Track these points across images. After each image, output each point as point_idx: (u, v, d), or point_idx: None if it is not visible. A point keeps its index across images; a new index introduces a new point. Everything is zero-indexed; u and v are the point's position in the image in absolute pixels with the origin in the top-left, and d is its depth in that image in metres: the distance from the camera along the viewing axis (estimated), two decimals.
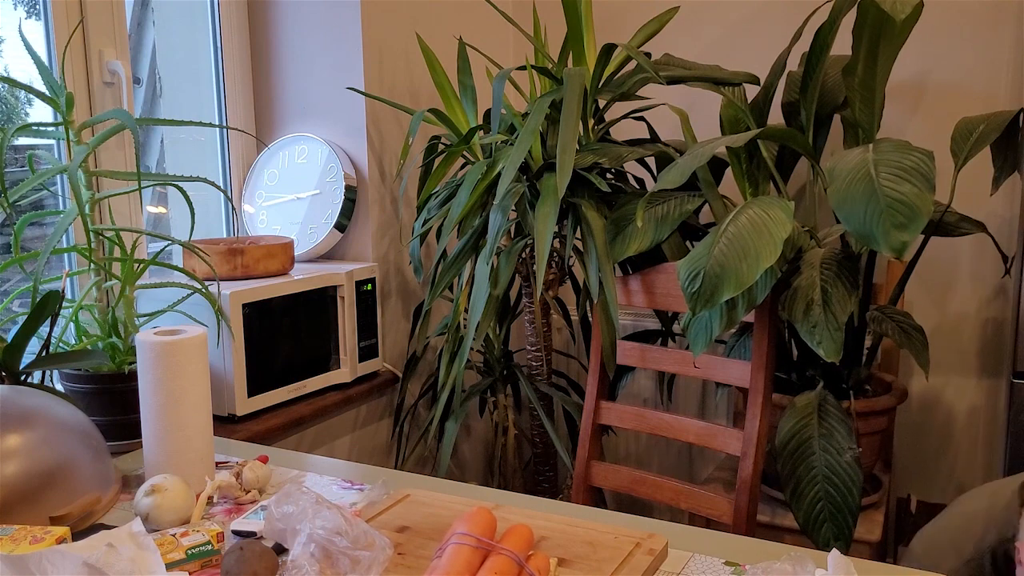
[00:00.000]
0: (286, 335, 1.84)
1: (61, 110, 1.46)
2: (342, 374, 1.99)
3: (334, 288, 1.95)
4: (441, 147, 2.15)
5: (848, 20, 1.86)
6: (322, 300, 1.92)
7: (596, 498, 1.86)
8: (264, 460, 1.29)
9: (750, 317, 1.66)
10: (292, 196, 2.12)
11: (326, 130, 2.13)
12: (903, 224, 1.51)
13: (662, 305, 1.76)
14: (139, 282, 1.52)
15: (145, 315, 1.54)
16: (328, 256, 2.13)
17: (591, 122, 2.06)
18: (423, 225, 2.08)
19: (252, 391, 1.76)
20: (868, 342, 2.06)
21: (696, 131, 2.15)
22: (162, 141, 2.16)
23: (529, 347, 2.14)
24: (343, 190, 2.06)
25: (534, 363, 2.14)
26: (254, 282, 1.78)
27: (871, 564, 1.01)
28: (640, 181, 2.21)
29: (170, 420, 1.21)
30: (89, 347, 1.50)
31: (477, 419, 2.48)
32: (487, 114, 2.10)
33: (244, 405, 1.75)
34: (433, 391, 2.27)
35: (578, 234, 1.89)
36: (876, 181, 1.56)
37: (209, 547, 1.01)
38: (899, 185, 1.55)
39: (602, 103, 2.13)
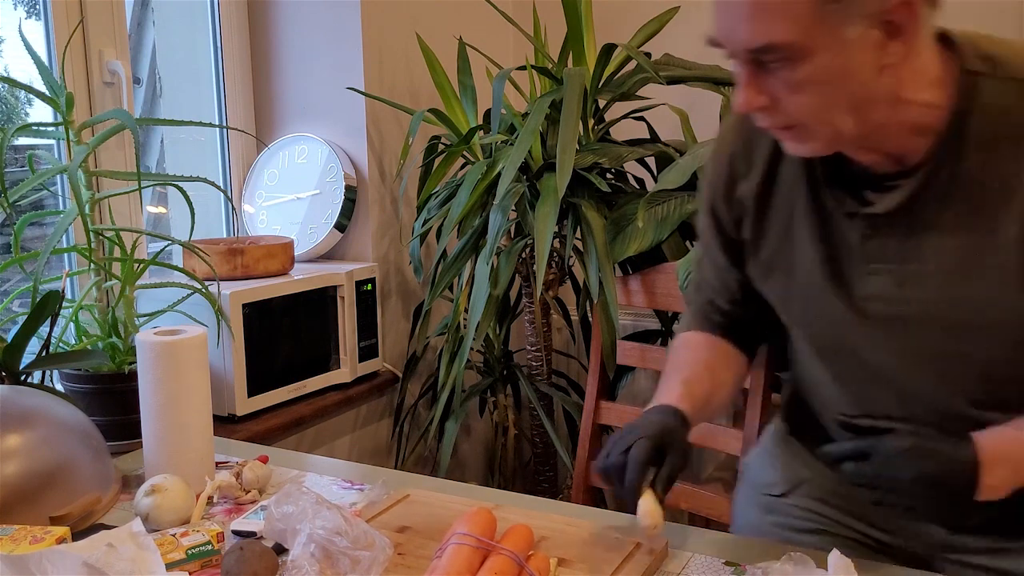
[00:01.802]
0: (286, 335, 1.84)
1: (61, 110, 1.46)
2: (342, 374, 1.99)
3: (334, 288, 1.95)
4: (441, 147, 2.15)
5: None
6: (322, 300, 1.92)
7: (596, 498, 1.86)
8: (264, 460, 1.29)
9: None
10: (292, 196, 2.12)
11: (326, 130, 2.13)
12: None
13: (662, 305, 1.76)
14: (139, 282, 1.52)
15: (145, 315, 1.54)
16: (328, 256, 2.13)
17: (591, 122, 2.06)
18: (423, 225, 2.08)
19: (252, 391, 1.76)
20: None
21: (696, 131, 2.15)
22: (162, 141, 2.16)
23: (529, 347, 2.14)
24: (343, 190, 2.06)
25: (534, 363, 2.14)
26: (254, 282, 1.78)
27: (871, 564, 1.01)
28: (640, 181, 2.21)
29: (170, 420, 1.21)
30: (89, 347, 1.50)
31: (477, 419, 2.48)
32: (487, 114, 2.10)
33: (244, 405, 1.74)
34: (433, 391, 2.26)
35: (578, 234, 1.89)
36: None
37: (209, 547, 1.01)
38: None
39: (602, 103, 2.13)
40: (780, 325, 1.11)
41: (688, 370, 1.11)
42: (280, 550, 0.98)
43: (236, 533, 1.08)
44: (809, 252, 1.00)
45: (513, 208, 1.95)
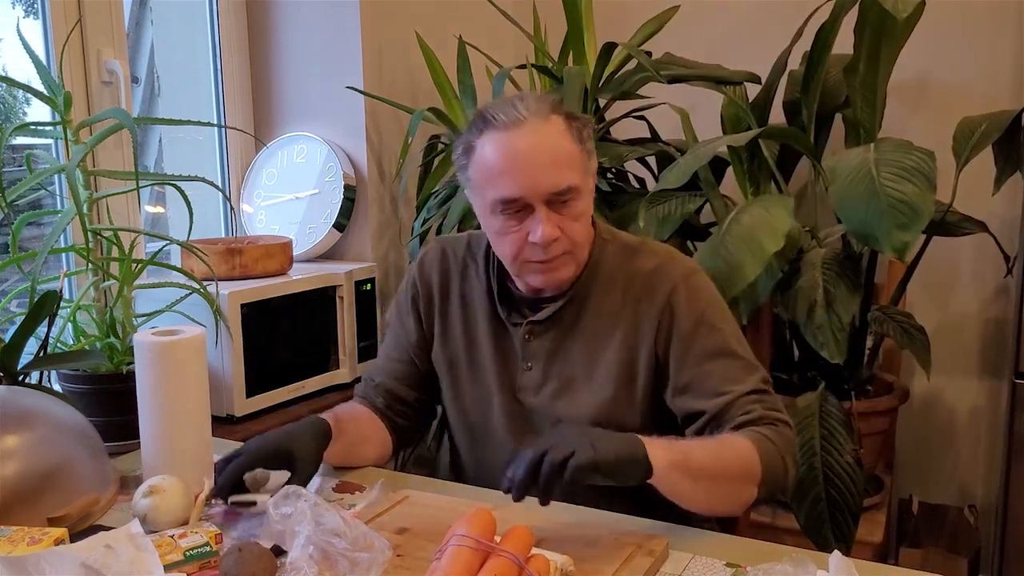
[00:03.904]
0: (285, 335, 1.83)
1: (59, 109, 1.46)
2: (341, 374, 1.98)
3: (333, 288, 1.94)
4: (440, 146, 2.14)
5: (850, 19, 1.85)
6: (321, 300, 1.91)
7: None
8: None
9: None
10: (291, 196, 2.12)
11: (325, 129, 2.12)
12: (905, 224, 1.51)
13: None
14: (137, 282, 1.51)
15: (143, 315, 1.54)
16: (327, 256, 2.12)
17: (592, 120, 2.05)
18: (423, 225, 2.07)
19: (251, 391, 1.75)
20: (870, 342, 2.05)
21: (697, 130, 2.15)
22: (160, 140, 2.15)
23: None
24: (342, 190, 2.06)
25: None
26: (253, 282, 1.77)
27: (873, 565, 1.00)
28: (641, 181, 2.21)
29: (168, 421, 1.20)
30: (87, 347, 1.49)
31: None
32: None
33: (243, 406, 1.74)
34: None
35: None
36: (877, 181, 1.56)
37: (207, 548, 1.00)
38: (900, 185, 1.54)
39: (603, 102, 2.12)
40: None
41: (345, 415, 1.33)
42: (279, 552, 0.98)
43: (235, 504, 1.10)
44: (487, 350, 1.32)
45: None
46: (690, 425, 1.21)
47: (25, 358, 1.35)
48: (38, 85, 1.45)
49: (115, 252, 1.51)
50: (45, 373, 1.43)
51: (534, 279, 1.24)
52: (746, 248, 1.58)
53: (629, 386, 1.24)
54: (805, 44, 1.98)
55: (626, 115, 2.17)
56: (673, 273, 1.25)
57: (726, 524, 1.47)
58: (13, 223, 1.41)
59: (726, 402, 1.17)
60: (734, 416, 1.16)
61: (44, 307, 1.35)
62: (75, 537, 1.03)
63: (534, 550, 0.93)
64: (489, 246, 1.31)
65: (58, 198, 1.76)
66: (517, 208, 1.18)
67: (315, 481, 1.28)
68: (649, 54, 2.11)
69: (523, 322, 1.29)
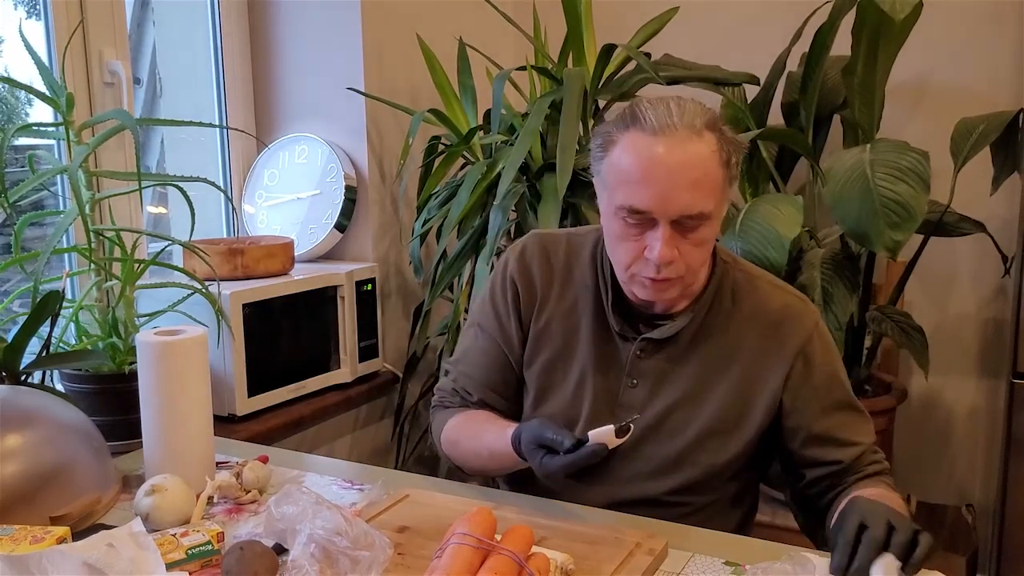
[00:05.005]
0: (286, 335, 1.84)
1: (61, 110, 1.46)
2: (342, 374, 1.99)
3: (334, 288, 1.95)
4: (441, 147, 2.14)
5: (848, 20, 1.86)
6: (322, 300, 1.92)
7: None
8: (264, 460, 1.29)
9: None
10: (292, 196, 2.12)
11: (326, 130, 2.13)
12: (897, 224, 1.52)
13: None
14: (139, 282, 1.52)
15: (145, 315, 1.54)
16: (328, 256, 2.13)
17: (591, 122, 2.06)
18: (423, 225, 2.08)
19: (252, 391, 1.76)
20: (868, 342, 2.06)
21: None
22: (162, 141, 2.16)
23: None
24: (343, 190, 2.06)
25: None
26: (254, 282, 1.78)
27: None
28: None
29: (170, 420, 1.21)
30: (89, 347, 1.50)
31: None
32: (487, 114, 2.10)
33: (244, 405, 1.74)
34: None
35: None
36: (871, 181, 1.57)
37: (209, 547, 1.01)
38: (894, 185, 1.55)
39: (602, 103, 2.13)
40: None
41: (482, 415, 1.32)
42: (280, 550, 0.98)
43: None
44: (586, 358, 1.25)
45: (513, 208, 1.95)
46: (813, 468, 1.21)
47: (28, 358, 1.35)
48: (40, 86, 1.46)
49: (117, 252, 1.52)
50: (47, 373, 1.43)
51: (641, 291, 1.17)
52: (767, 244, 1.60)
53: (740, 420, 1.20)
54: (804, 45, 1.99)
55: None
56: (806, 319, 1.22)
57: (726, 524, 1.48)
58: (15, 223, 1.42)
59: (859, 453, 1.19)
60: (863, 465, 1.19)
61: (46, 307, 1.35)
62: (77, 536, 1.03)
63: (535, 548, 0.94)
64: (595, 250, 1.27)
65: (60, 199, 1.76)
66: (641, 219, 1.11)
67: (319, 480, 1.28)
68: (648, 55, 2.11)
69: (636, 337, 1.22)
